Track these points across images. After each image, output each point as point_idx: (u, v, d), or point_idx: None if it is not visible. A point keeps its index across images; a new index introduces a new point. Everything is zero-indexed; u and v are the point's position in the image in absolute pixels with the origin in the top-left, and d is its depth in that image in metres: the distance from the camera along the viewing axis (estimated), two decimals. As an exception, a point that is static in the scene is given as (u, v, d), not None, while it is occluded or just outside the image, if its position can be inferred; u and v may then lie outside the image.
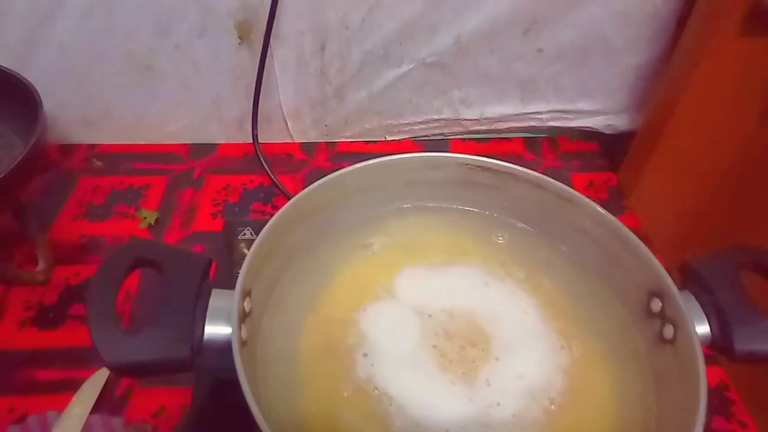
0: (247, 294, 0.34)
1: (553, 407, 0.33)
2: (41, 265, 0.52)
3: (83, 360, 0.46)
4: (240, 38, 0.59)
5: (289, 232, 0.39)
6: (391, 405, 0.33)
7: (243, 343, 0.32)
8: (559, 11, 0.59)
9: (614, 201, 0.63)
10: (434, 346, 0.36)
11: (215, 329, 0.32)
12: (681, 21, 0.58)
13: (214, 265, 0.35)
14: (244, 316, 0.33)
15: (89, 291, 0.30)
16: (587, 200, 0.39)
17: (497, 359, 0.35)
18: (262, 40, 0.58)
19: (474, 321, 0.37)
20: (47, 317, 0.49)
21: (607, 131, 0.68)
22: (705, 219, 0.62)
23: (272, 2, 0.55)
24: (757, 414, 0.45)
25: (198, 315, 0.32)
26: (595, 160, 0.68)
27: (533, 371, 0.35)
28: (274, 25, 0.57)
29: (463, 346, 0.36)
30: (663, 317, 0.35)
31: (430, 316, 0.38)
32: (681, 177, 0.61)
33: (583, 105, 0.66)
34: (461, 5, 0.58)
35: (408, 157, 0.43)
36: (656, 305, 0.36)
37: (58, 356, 0.46)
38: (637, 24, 0.59)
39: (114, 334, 0.29)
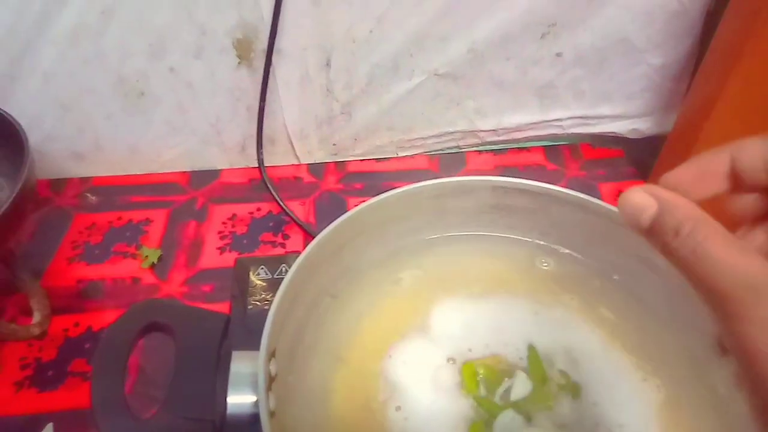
0: (272, 355, 0.30)
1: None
2: (36, 317, 0.47)
3: (90, 423, 0.41)
4: (239, 57, 0.55)
5: (311, 277, 0.35)
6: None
7: (271, 415, 0.28)
8: (578, 13, 0.55)
9: (646, 210, 0.59)
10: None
11: (239, 399, 0.28)
12: (708, 16, 0.55)
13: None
14: (270, 382, 0.29)
15: (93, 369, 0.26)
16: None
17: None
18: (263, 59, 0.54)
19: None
20: (46, 376, 0.44)
21: (632, 136, 0.64)
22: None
23: (273, 17, 0.51)
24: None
25: (219, 385, 0.28)
26: (621, 167, 0.64)
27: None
28: (275, 42, 0.53)
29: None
30: (741, 354, 0.31)
31: (470, 350, 0.34)
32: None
33: (605, 110, 0.63)
34: (474, 12, 0.54)
35: (435, 184, 0.39)
36: (732, 340, 0.32)
37: (60, 420, 0.42)
38: (662, 22, 0.55)
39: (125, 421, 0.25)
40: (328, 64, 0.57)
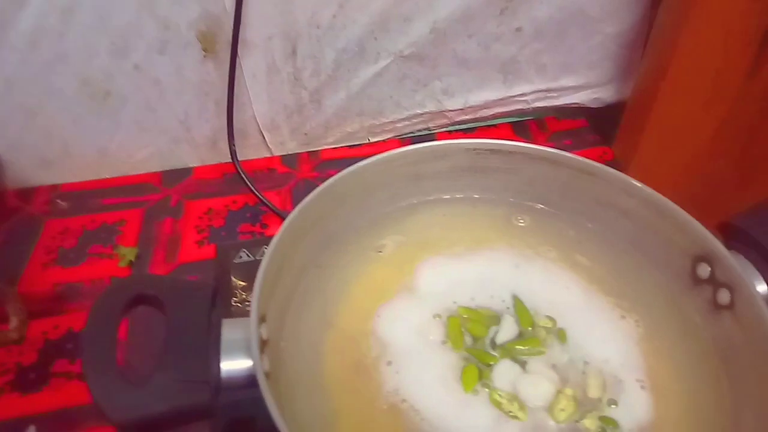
0: (262, 320, 0.30)
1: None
2: (13, 322, 0.46)
3: (77, 421, 0.40)
4: (204, 50, 0.55)
5: (295, 246, 0.35)
6: (422, 420, 0.30)
7: (267, 375, 0.28)
8: (534, -13, 0.57)
9: (613, 175, 0.61)
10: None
11: (233, 364, 0.28)
12: (657, -17, 0.57)
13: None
14: (263, 345, 0.29)
15: (82, 339, 0.26)
16: (613, 171, 0.36)
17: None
18: (228, 51, 0.54)
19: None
20: (28, 379, 0.43)
21: (594, 105, 0.66)
22: (707, 179, 0.61)
23: (236, 7, 0.51)
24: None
25: (212, 350, 0.28)
26: (586, 136, 0.66)
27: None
28: (240, 33, 0.53)
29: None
30: (714, 282, 0.33)
31: (455, 303, 0.35)
32: (677, 141, 0.60)
33: (566, 81, 0.65)
34: (434, -10, 0.56)
35: (411, 150, 0.40)
36: (704, 271, 0.33)
37: (46, 421, 0.41)
38: (613, -9, 0.58)
39: (119, 387, 0.25)
40: (294, 53, 0.57)
